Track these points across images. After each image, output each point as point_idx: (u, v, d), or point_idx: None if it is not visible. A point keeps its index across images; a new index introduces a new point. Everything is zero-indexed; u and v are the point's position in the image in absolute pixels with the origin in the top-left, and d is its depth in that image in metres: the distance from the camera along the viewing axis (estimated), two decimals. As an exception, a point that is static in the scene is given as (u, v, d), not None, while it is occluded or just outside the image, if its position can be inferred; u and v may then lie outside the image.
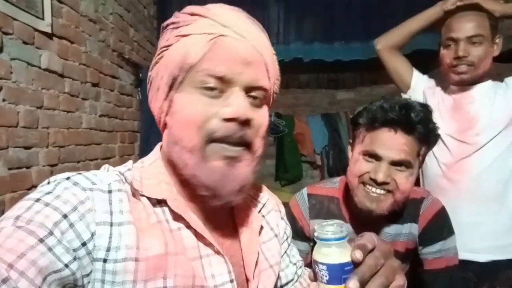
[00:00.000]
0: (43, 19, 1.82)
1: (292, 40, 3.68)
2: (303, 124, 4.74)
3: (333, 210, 1.26)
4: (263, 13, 3.62)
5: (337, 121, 4.65)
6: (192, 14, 0.61)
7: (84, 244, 0.51)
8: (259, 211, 0.76)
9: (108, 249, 0.52)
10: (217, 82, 0.58)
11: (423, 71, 1.73)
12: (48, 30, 1.87)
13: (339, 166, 4.43)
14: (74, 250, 0.50)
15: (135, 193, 0.60)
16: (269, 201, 0.80)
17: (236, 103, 0.58)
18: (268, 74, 0.63)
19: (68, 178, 0.56)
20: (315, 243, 0.53)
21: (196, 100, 0.59)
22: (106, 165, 0.65)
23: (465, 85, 1.48)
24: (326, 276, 0.50)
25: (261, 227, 0.73)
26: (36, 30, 1.79)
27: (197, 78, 0.58)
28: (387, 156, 1.06)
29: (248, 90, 0.60)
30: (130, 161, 0.67)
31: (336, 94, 4.92)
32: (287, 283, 0.79)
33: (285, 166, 4.70)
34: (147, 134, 2.94)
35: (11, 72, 1.64)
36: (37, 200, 0.51)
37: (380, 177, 1.06)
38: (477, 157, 1.43)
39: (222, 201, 0.61)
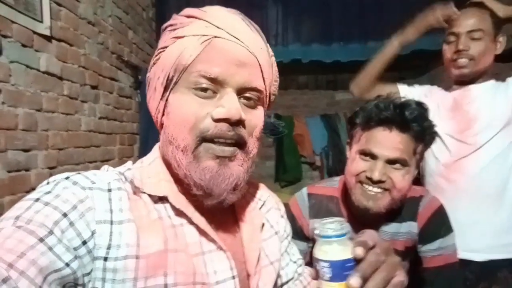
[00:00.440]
0: (41, 22, 1.82)
1: (290, 41, 3.68)
2: (302, 125, 4.75)
3: (332, 209, 1.27)
4: (261, 14, 3.62)
5: (336, 122, 4.66)
6: (188, 16, 0.62)
7: (84, 242, 0.51)
8: (260, 208, 0.76)
9: (108, 247, 0.53)
10: (210, 83, 0.59)
11: (423, 71, 1.72)
12: (47, 32, 1.87)
13: (338, 167, 4.44)
14: (75, 249, 0.50)
15: (136, 191, 0.60)
16: (269, 199, 0.81)
17: (228, 104, 0.58)
18: (262, 75, 0.63)
19: (67, 178, 0.56)
20: (314, 243, 0.53)
21: (189, 100, 0.60)
22: (106, 166, 0.66)
23: (466, 80, 1.49)
24: (328, 274, 0.50)
25: (263, 224, 0.73)
26: (35, 33, 1.79)
27: (191, 79, 0.59)
28: (383, 155, 1.07)
29: (241, 91, 0.61)
30: (130, 162, 0.68)
31: (335, 95, 4.93)
32: (287, 282, 0.79)
33: (284, 167, 4.71)
34: (146, 136, 2.93)
35: (10, 75, 1.64)
36: (37, 200, 0.51)
37: (376, 176, 1.07)
38: (475, 157, 1.43)
39: (216, 200, 0.61)
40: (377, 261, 0.50)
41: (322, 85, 4.96)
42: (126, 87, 2.90)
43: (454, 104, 1.53)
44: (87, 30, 2.31)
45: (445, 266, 1.18)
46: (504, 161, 1.42)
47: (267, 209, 0.79)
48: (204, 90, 0.59)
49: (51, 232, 0.48)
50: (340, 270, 0.49)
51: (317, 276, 0.52)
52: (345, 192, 1.23)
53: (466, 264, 1.37)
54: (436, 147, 1.51)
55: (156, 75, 0.63)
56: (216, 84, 0.59)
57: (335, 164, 4.57)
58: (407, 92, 1.65)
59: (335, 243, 0.51)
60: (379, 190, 1.09)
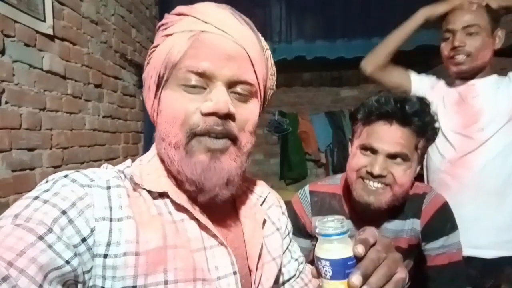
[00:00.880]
0: (44, 21, 1.83)
1: (294, 38, 3.67)
2: (307, 122, 4.74)
3: (335, 206, 1.26)
4: (264, 11, 3.62)
5: (341, 118, 4.64)
6: (178, 14, 0.63)
7: (84, 240, 0.51)
8: (261, 205, 0.76)
9: (108, 244, 0.53)
10: (199, 78, 0.59)
11: (427, 67, 1.71)
12: (50, 32, 1.87)
13: (343, 164, 4.36)
14: (74, 246, 0.50)
15: (136, 188, 0.60)
16: (269, 196, 0.80)
17: (216, 98, 0.58)
18: (254, 68, 0.63)
19: (66, 176, 0.56)
20: (317, 240, 0.53)
21: (179, 97, 0.60)
22: (105, 164, 0.66)
23: (465, 76, 1.48)
24: (329, 272, 0.50)
25: (264, 220, 0.73)
26: (37, 32, 1.80)
27: (180, 75, 0.59)
28: (383, 149, 1.07)
29: (231, 84, 0.61)
30: (129, 160, 0.68)
31: (340, 92, 4.91)
32: (289, 279, 0.79)
33: (289, 164, 4.70)
34: (151, 135, 2.91)
35: (13, 75, 1.64)
36: (36, 198, 0.51)
37: (376, 170, 1.06)
38: (481, 152, 1.42)
39: (209, 196, 0.61)
40: (378, 258, 0.49)
41: (327, 82, 4.94)
42: (130, 85, 2.91)
43: (459, 98, 1.52)
44: (90, 29, 2.31)
45: (449, 264, 1.16)
46: (509, 155, 1.40)
47: (268, 206, 0.79)
48: (194, 86, 0.59)
49: (50, 230, 0.48)
50: (341, 268, 0.49)
51: (318, 275, 0.52)
52: (347, 189, 1.22)
53: (471, 261, 1.36)
54: (440, 144, 1.51)
55: (149, 74, 0.64)
56: (205, 79, 0.59)
57: (340, 161, 4.55)
58: (416, 80, 1.65)
59: (336, 241, 0.51)
60: (380, 185, 1.08)
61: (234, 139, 0.61)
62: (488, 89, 1.46)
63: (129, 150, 2.85)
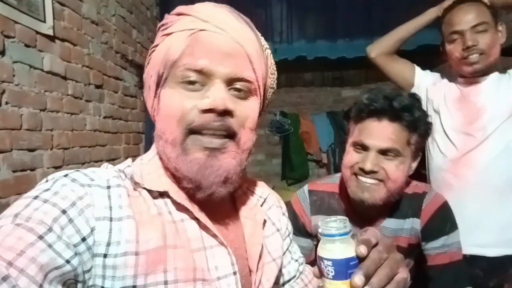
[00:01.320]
0: (44, 21, 1.83)
1: (295, 38, 3.67)
2: (308, 122, 4.73)
3: (333, 205, 1.28)
4: (265, 12, 3.62)
5: (343, 119, 4.62)
6: (178, 14, 0.64)
7: (84, 239, 0.51)
8: (261, 205, 0.76)
9: (108, 244, 0.53)
10: (197, 76, 0.59)
11: (429, 66, 1.71)
12: (50, 32, 1.87)
13: (345, 164, 4.40)
14: (75, 246, 0.50)
15: (136, 187, 0.60)
16: (270, 197, 0.80)
17: (213, 94, 0.58)
18: (252, 66, 0.63)
19: (66, 175, 0.56)
20: (318, 240, 0.53)
21: (177, 94, 0.60)
22: (106, 164, 0.66)
23: (479, 75, 1.47)
24: (331, 272, 0.50)
25: (264, 221, 0.73)
26: (38, 33, 1.80)
27: (178, 73, 0.60)
28: (374, 145, 1.08)
29: (230, 82, 0.61)
30: (129, 159, 0.68)
31: (341, 92, 4.89)
32: (289, 280, 0.80)
33: (291, 165, 4.69)
34: (152, 135, 2.88)
35: (14, 75, 1.64)
36: (36, 197, 0.51)
37: (368, 166, 1.07)
38: (483, 149, 1.42)
39: (206, 193, 0.61)
40: (380, 258, 0.50)
41: (328, 82, 4.92)
42: (131, 86, 2.91)
43: (460, 96, 1.51)
44: (90, 30, 2.31)
45: (450, 264, 1.16)
46: (511, 153, 1.40)
47: (268, 207, 0.79)
48: (192, 83, 0.60)
49: (50, 229, 0.48)
50: (343, 268, 0.50)
51: (320, 274, 0.53)
52: (344, 187, 1.23)
53: (474, 260, 1.36)
54: (442, 143, 1.51)
55: (149, 74, 0.65)
56: (203, 76, 0.59)
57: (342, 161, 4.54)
58: (420, 74, 1.66)
59: (338, 241, 0.51)
60: (373, 181, 1.09)
61: (233, 136, 0.61)
62: (490, 86, 1.46)
63: (130, 150, 2.85)
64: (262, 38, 0.69)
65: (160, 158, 0.66)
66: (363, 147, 1.11)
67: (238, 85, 0.61)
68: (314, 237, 1.31)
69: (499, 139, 1.40)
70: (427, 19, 1.64)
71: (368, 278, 0.48)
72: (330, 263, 0.50)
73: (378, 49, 1.70)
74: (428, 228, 1.18)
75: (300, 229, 1.29)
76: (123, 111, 2.77)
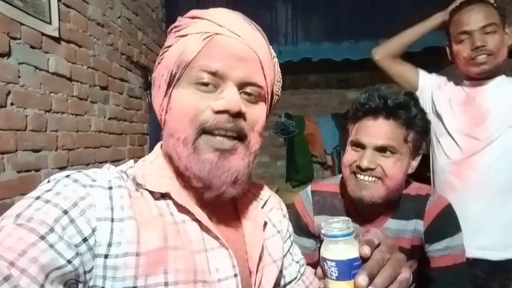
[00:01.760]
0: (50, 23, 1.84)
1: (300, 40, 3.67)
2: (313, 124, 4.72)
3: (336, 205, 1.28)
4: (270, 14, 3.62)
5: (343, 119, 4.60)
6: (192, 17, 0.65)
7: (85, 239, 0.51)
8: (262, 207, 0.77)
9: (109, 245, 0.53)
10: (211, 77, 0.61)
11: (435, 68, 1.71)
12: (56, 34, 1.88)
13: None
14: (76, 246, 0.50)
15: (138, 188, 0.61)
16: (270, 199, 0.81)
17: (228, 96, 0.60)
18: (263, 72, 0.64)
19: (68, 176, 0.57)
20: (322, 241, 0.54)
21: (190, 94, 0.61)
22: (107, 164, 0.67)
23: (485, 76, 1.46)
24: (335, 273, 0.50)
25: (265, 222, 0.74)
26: (43, 34, 1.81)
27: (192, 74, 0.61)
28: (370, 143, 1.10)
29: (242, 85, 0.62)
30: (131, 160, 0.69)
31: (346, 94, 4.88)
32: (290, 282, 0.80)
33: (296, 167, 4.68)
34: (156, 136, 2.93)
35: (19, 76, 1.65)
36: (37, 198, 0.52)
37: (364, 163, 1.09)
38: (487, 152, 1.41)
39: (216, 193, 0.62)
40: (382, 259, 0.50)
41: (333, 83, 4.91)
42: (136, 88, 2.92)
43: (466, 98, 1.51)
44: (96, 32, 2.32)
45: (453, 266, 1.15)
46: None
47: (269, 209, 0.79)
48: (206, 84, 0.61)
49: (52, 230, 0.48)
50: (347, 269, 0.50)
51: (324, 275, 0.53)
52: (345, 187, 1.24)
53: (477, 263, 1.35)
54: (446, 145, 1.51)
55: (160, 73, 0.66)
56: (217, 78, 0.61)
57: (347, 164, 4.52)
58: (424, 77, 1.66)
59: (341, 242, 0.51)
60: (370, 178, 1.11)
61: (243, 138, 0.62)
62: (496, 89, 1.45)
63: (134, 152, 2.86)
64: (270, 47, 0.71)
65: (169, 158, 0.66)
66: (360, 146, 1.13)
67: (249, 89, 0.63)
68: (316, 237, 1.31)
69: (503, 143, 1.39)
70: (433, 24, 1.64)
71: (372, 278, 0.48)
72: (333, 264, 0.50)
73: (383, 52, 1.71)
74: (431, 229, 1.17)
75: (303, 229, 1.31)
76: (128, 112, 2.78)
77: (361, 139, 1.12)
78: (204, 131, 0.60)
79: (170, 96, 0.64)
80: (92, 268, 0.52)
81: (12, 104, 1.61)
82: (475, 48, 1.39)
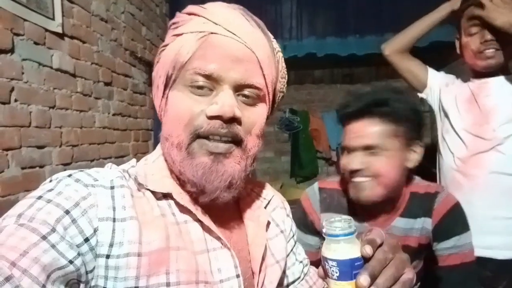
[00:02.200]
0: (53, 19, 1.83)
1: (305, 35, 3.64)
2: (318, 120, 4.71)
3: (343, 203, 1.28)
4: (275, 8, 3.60)
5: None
6: (189, 14, 0.63)
7: (87, 239, 0.51)
8: (265, 207, 0.76)
9: (111, 245, 0.53)
10: (206, 80, 0.59)
11: (441, 63, 1.69)
12: (59, 30, 1.88)
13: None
14: (77, 246, 0.50)
15: (140, 188, 0.60)
16: (274, 198, 0.80)
17: (221, 101, 0.58)
18: (262, 72, 0.62)
19: (70, 175, 0.56)
20: (324, 240, 0.53)
21: (185, 98, 0.60)
22: (110, 164, 0.66)
23: (491, 71, 1.44)
24: (336, 273, 0.50)
25: (268, 222, 0.73)
26: (47, 30, 1.80)
27: (187, 77, 0.60)
28: (355, 145, 1.12)
29: (238, 88, 0.60)
30: (134, 160, 0.69)
31: (351, 89, 4.86)
32: (293, 281, 0.79)
33: (300, 162, 4.68)
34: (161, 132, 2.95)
35: (23, 73, 1.65)
36: (39, 197, 0.52)
37: (353, 166, 1.12)
38: (494, 152, 1.40)
39: (209, 198, 0.61)
40: (385, 258, 0.50)
41: (338, 79, 4.89)
42: (140, 83, 2.91)
43: (470, 96, 1.49)
44: (100, 27, 2.31)
45: (461, 265, 1.15)
46: None
47: (272, 208, 0.79)
48: (200, 87, 0.59)
49: (53, 230, 0.48)
50: (349, 268, 0.49)
51: (325, 275, 0.52)
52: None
53: (484, 262, 1.34)
54: (451, 142, 1.50)
55: (158, 73, 0.65)
56: (212, 81, 0.59)
57: (352, 160, 4.51)
58: (433, 74, 1.65)
59: (343, 241, 0.51)
60: (364, 179, 1.12)
61: (239, 142, 0.61)
62: (501, 88, 1.43)
63: (139, 147, 2.86)
64: (275, 41, 0.69)
65: (165, 160, 0.66)
66: (349, 149, 1.15)
67: (246, 91, 0.61)
68: (322, 235, 1.30)
69: (510, 142, 1.38)
70: (441, 15, 1.61)
71: (373, 278, 0.48)
72: (334, 263, 0.50)
73: (392, 47, 1.69)
74: (439, 228, 1.17)
75: (308, 227, 1.30)
76: (132, 108, 2.78)
77: (347, 143, 1.15)
78: (199, 136, 0.59)
79: (167, 97, 0.63)
80: (93, 268, 0.52)
81: (16, 100, 1.60)
82: (484, 41, 1.38)
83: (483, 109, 1.44)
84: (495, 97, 1.43)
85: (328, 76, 4.92)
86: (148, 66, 3.00)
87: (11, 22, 1.57)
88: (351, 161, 1.12)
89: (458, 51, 1.54)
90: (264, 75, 0.63)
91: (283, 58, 0.71)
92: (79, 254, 0.49)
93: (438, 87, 1.61)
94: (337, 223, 0.52)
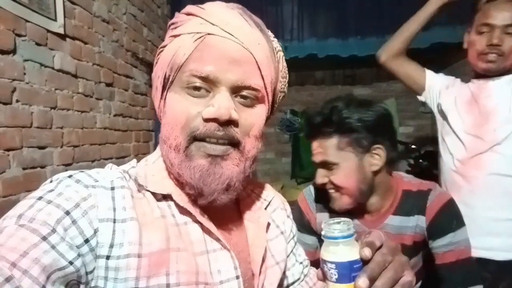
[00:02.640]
0: (55, 20, 1.84)
1: (306, 36, 3.64)
2: (319, 121, 4.69)
3: None
4: (276, 10, 3.60)
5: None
6: (187, 14, 0.63)
7: (87, 240, 0.51)
8: (265, 208, 0.76)
9: (111, 246, 0.53)
10: (203, 82, 0.58)
11: (443, 64, 1.68)
12: (61, 31, 1.88)
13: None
14: (78, 247, 0.50)
15: (140, 189, 0.60)
16: (274, 199, 0.80)
17: (218, 103, 0.57)
18: (261, 73, 0.61)
19: (70, 176, 0.56)
20: (323, 240, 0.53)
21: (182, 99, 0.60)
22: (110, 164, 0.66)
23: (491, 74, 1.44)
24: (335, 275, 0.49)
25: (268, 224, 0.73)
26: (48, 31, 1.81)
27: (184, 78, 0.59)
28: (316, 162, 1.20)
29: (236, 89, 0.60)
30: (134, 160, 0.68)
31: (353, 90, 4.84)
32: (293, 282, 0.79)
33: (301, 164, 4.66)
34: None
35: (24, 73, 1.66)
36: (40, 198, 0.51)
37: (317, 180, 1.20)
38: (493, 153, 1.40)
39: (207, 200, 0.61)
40: (384, 261, 0.49)
41: (339, 80, 4.88)
42: (141, 84, 2.92)
43: (471, 97, 1.49)
44: (101, 28, 2.32)
45: (458, 262, 1.14)
46: None
47: (272, 209, 0.78)
48: (197, 89, 0.59)
49: (53, 230, 0.48)
50: (347, 271, 0.49)
51: (324, 277, 0.52)
52: None
53: (484, 264, 1.34)
54: (451, 143, 1.50)
55: (156, 74, 0.64)
56: (209, 83, 0.59)
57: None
58: (432, 77, 1.63)
59: (342, 244, 0.50)
60: (332, 191, 1.19)
61: (237, 144, 0.60)
62: (502, 89, 1.43)
63: (140, 148, 2.87)
64: (275, 41, 0.68)
65: (164, 161, 0.65)
66: (315, 165, 1.22)
67: (244, 92, 0.60)
68: (318, 235, 1.32)
69: (510, 144, 1.37)
70: (430, 11, 1.59)
71: (372, 281, 0.47)
72: (333, 266, 0.50)
73: (387, 53, 1.67)
74: (434, 225, 1.17)
75: (305, 226, 1.32)
76: (133, 109, 2.78)
77: (312, 159, 1.22)
78: (196, 138, 0.59)
79: (165, 99, 0.63)
80: (94, 269, 0.52)
81: (17, 101, 1.61)
82: (490, 45, 1.38)
83: (483, 109, 1.44)
84: (496, 98, 1.42)
85: (329, 77, 4.91)
86: (149, 67, 3.00)
87: (13, 23, 1.58)
88: (316, 176, 1.20)
89: (465, 45, 1.52)
90: (262, 76, 0.62)
91: (284, 58, 0.70)
92: (79, 255, 0.49)
93: (437, 89, 1.60)
94: (336, 225, 0.52)
